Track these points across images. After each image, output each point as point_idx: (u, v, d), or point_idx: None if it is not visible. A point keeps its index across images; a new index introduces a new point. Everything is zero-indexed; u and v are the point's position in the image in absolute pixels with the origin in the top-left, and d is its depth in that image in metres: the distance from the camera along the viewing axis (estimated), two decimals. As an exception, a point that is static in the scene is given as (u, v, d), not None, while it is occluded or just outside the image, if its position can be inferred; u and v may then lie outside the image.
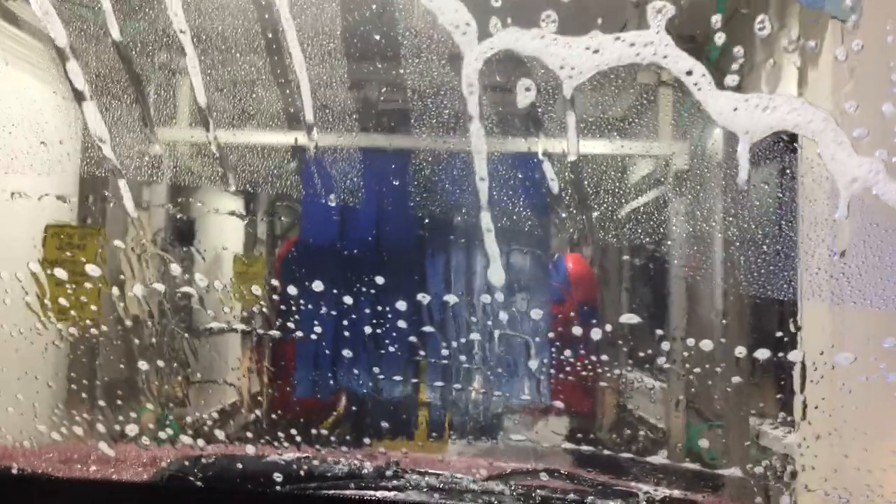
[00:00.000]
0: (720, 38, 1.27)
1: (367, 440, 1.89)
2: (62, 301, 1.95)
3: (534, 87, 1.30)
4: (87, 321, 1.98)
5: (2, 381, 1.86)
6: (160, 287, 2.11)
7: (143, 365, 2.29)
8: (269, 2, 1.44)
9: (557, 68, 1.18)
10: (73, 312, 1.96)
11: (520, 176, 2.05)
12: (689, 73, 1.21)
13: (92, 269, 1.91)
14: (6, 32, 1.80)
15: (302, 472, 1.57)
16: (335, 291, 2.20)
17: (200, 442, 1.69)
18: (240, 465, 1.59)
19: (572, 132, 1.38)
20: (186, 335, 2.33)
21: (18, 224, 2.12)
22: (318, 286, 2.63)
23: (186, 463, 1.63)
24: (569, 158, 1.45)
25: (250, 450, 1.63)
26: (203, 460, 1.63)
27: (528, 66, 1.27)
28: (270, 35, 1.72)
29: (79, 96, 1.49)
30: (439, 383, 2.89)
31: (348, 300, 2.30)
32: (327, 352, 3.28)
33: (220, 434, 1.78)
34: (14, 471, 1.46)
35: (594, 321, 3.34)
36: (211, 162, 1.99)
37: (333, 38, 1.72)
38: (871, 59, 1.35)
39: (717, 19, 1.29)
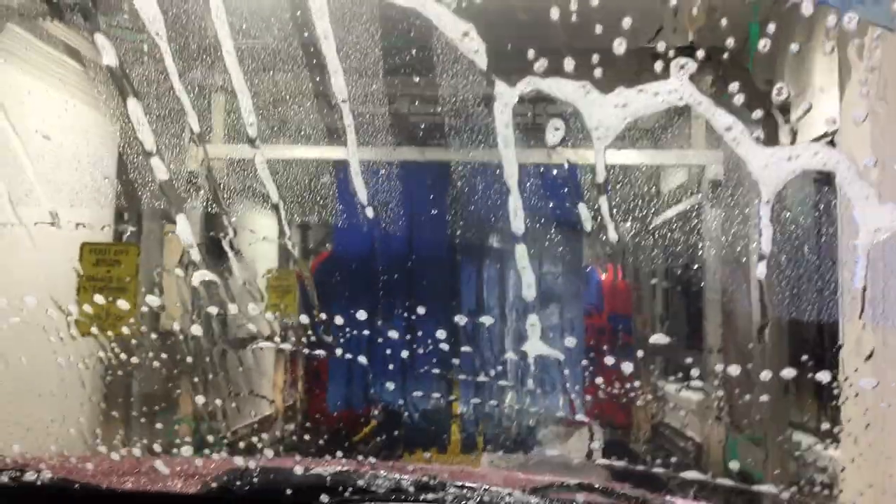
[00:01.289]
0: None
1: (400, 455, 1.98)
2: (100, 316, 2.08)
3: (563, 127, 1.40)
4: (126, 336, 2.10)
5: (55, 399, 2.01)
6: (204, 304, 2.23)
7: (186, 379, 2.41)
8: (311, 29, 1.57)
9: (593, 128, 1.28)
10: (115, 328, 2.08)
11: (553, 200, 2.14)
12: (729, 129, 1.30)
13: (151, 300, 2.05)
14: (73, 69, 1.97)
15: (343, 485, 1.66)
16: (367, 306, 2.29)
17: (244, 454, 1.80)
18: (283, 478, 1.69)
19: (608, 216, 1.48)
20: (227, 349, 2.45)
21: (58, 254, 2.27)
22: (350, 302, 2.73)
23: (230, 475, 1.73)
24: (610, 237, 1.55)
25: (293, 462, 1.74)
26: (247, 472, 1.73)
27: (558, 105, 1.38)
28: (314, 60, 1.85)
29: (175, 206, 1.68)
30: (475, 400, 2.97)
31: (379, 314, 2.40)
32: (361, 366, 3.39)
33: (260, 446, 1.89)
34: (76, 485, 1.59)
35: (629, 336, 3.39)
36: (252, 179, 2.12)
37: (375, 70, 1.85)
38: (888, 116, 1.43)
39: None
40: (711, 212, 2.96)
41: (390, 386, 3.08)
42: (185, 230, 1.67)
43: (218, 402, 2.51)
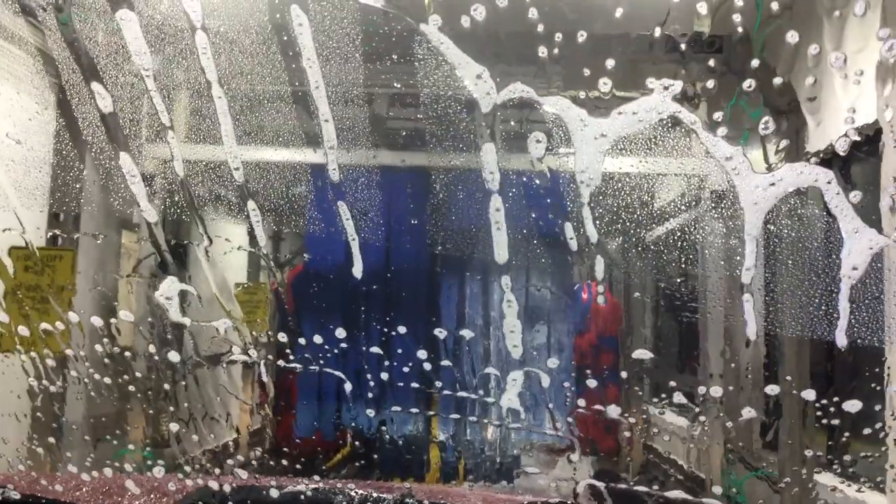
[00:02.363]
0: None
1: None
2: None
3: (545, 139, 1.59)
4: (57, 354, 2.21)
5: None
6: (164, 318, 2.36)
7: (137, 400, 2.53)
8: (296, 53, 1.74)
9: (580, 171, 1.48)
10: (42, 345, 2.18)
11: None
12: (729, 158, 1.50)
13: (125, 316, 2.18)
14: (41, 74, 2.11)
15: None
16: (344, 324, 2.41)
17: (216, 475, 1.94)
18: (257, 496, 1.84)
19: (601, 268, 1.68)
20: (195, 368, 2.58)
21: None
22: (323, 317, 2.87)
23: (201, 496, 1.88)
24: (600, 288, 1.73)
25: (267, 482, 1.89)
26: (218, 493, 1.88)
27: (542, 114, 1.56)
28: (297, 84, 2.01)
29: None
30: (454, 417, 3.11)
31: (356, 331, 2.54)
32: (332, 388, 3.52)
33: (233, 466, 2.03)
34: (43, 501, 1.74)
35: (617, 357, 3.54)
36: (226, 186, 2.26)
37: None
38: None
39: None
40: (712, 225, 3.08)
41: (365, 408, 3.22)
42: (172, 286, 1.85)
43: (176, 426, 2.62)
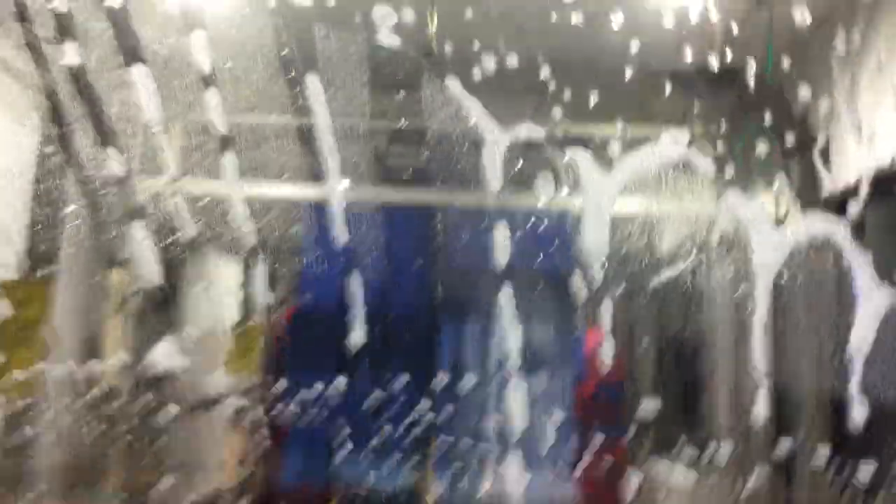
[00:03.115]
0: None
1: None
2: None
3: (553, 181, 1.65)
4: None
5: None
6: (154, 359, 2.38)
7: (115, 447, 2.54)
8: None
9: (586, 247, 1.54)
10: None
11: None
12: (749, 212, 1.56)
13: (117, 359, 2.20)
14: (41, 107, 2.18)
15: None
16: (339, 370, 2.44)
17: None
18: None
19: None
20: (180, 413, 2.58)
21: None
22: (316, 361, 2.88)
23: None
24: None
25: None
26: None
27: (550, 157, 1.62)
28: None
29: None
30: (449, 471, 3.11)
31: (349, 378, 2.56)
32: (321, 438, 3.51)
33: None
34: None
35: (620, 408, 3.55)
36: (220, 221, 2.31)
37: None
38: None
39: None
40: (720, 270, 3.11)
41: (356, 459, 3.21)
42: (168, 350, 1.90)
43: (166, 478, 2.62)
